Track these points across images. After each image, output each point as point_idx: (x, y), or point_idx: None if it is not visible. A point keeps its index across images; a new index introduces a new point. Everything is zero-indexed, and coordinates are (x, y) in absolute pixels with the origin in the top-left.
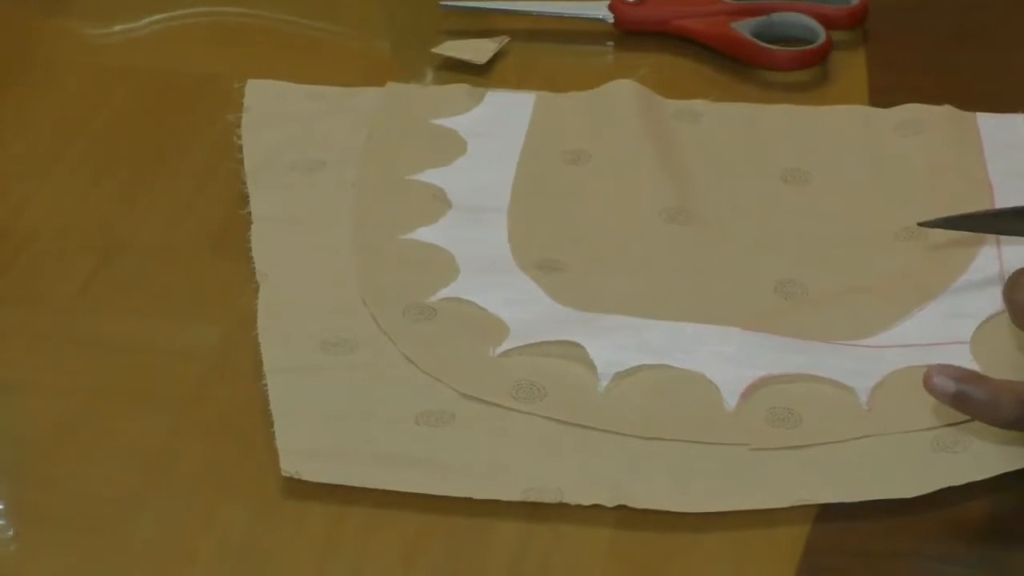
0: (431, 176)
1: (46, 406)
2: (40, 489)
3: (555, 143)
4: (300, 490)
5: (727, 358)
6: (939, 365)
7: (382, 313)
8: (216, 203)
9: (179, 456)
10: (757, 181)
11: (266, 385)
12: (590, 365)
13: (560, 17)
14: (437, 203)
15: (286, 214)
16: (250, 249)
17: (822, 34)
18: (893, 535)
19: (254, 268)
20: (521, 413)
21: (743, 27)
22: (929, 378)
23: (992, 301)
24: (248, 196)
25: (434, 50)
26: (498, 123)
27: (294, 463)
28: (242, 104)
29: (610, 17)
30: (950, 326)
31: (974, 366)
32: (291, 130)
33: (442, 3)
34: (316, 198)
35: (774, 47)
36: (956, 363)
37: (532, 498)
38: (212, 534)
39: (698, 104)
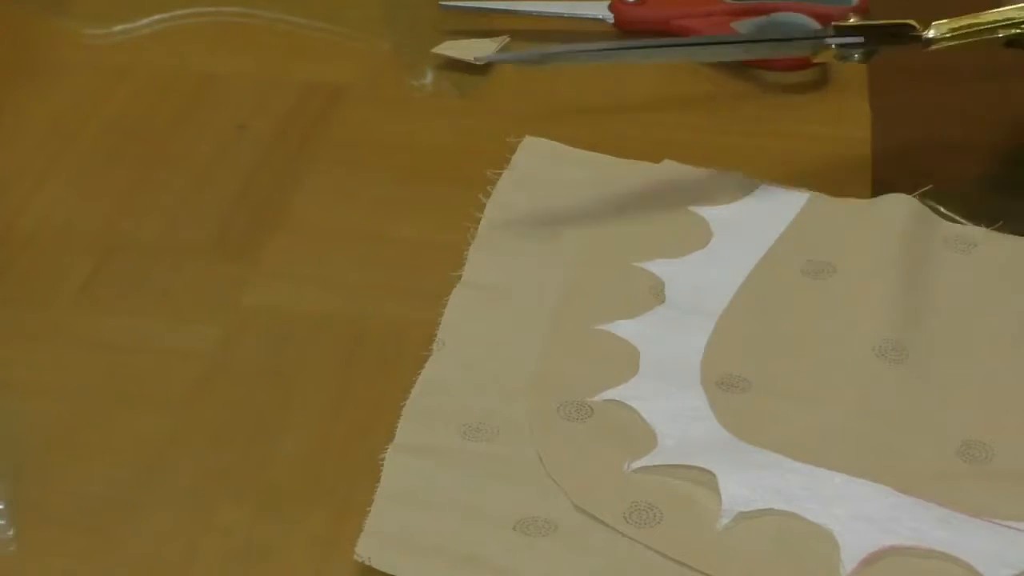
0: (659, 266)
1: (46, 406)
2: (40, 489)
3: (802, 250)
4: (300, 490)
5: (864, 518)
6: None
7: (536, 404)
8: (216, 203)
9: (179, 456)
10: (999, 325)
11: (383, 459)
12: (717, 498)
13: (560, 17)
14: (650, 297)
15: (495, 283)
16: (252, 249)
17: None
18: None
19: (256, 268)
20: (626, 537)
21: (743, 27)
22: None
23: None
24: (466, 259)
25: (434, 50)
26: (756, 220)
27: (370, 548)
28: (244, 105)
29: (610, 17)
30: None
31: None
32: (543, 196)
33: (442, 3)
34: (535, 272)
35: None
36: None
37: None
38: (212, 534)
39: (976, 232)
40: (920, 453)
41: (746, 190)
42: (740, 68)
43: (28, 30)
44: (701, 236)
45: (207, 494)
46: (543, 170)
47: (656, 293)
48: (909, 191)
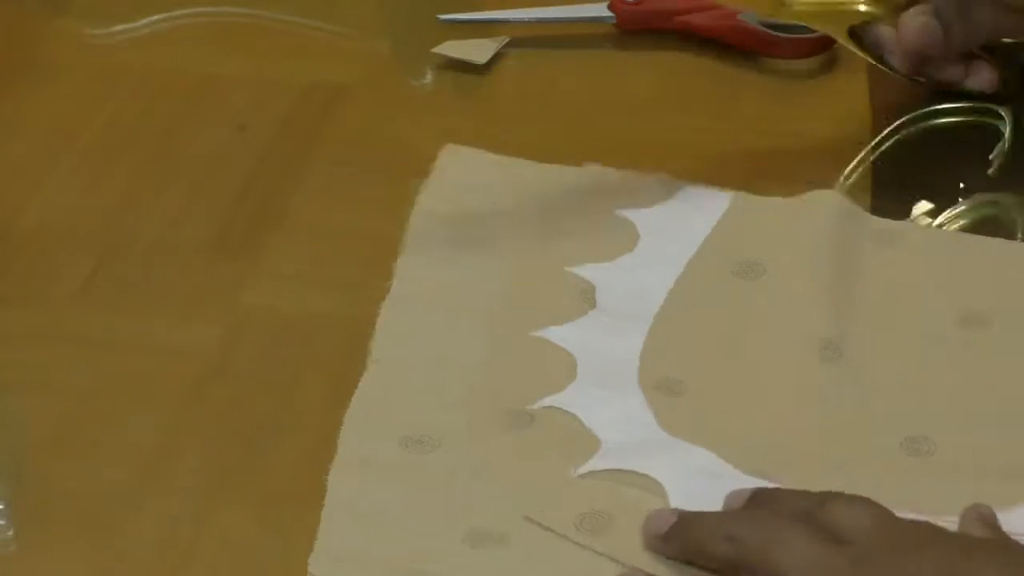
0: (589, 271)
1: (46, 406)
2: (40, 489)
3: (731, 251)
4: (300, 490)
5: None
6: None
7: (476, 414)
8: (216, 203)
9: (179, 456)
10: (929, 319)
11: (327, 478)
12: (665, 503)
13: (561, 21)
14: (581, 302)
15: (426, 294)
16: (252, 249)
17: None
18: None
19: (256, 268)
20: (577, 545)
21: (750, 17)
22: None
23: None
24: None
25: (434, 50)
26: (681, 221)
27: (322, 565)
28: (244, 105)
29: (612, 17)
30: None
31: None
32: (467, 202)
33: (440, 16)
34: (464, 279)
35: (787, 35)
36: None
37: None
38: (212, 534)
39: (902, 226)
40: (863, 451)
41: (670, 191)
42: (741, 60)
43: (28, 30)
44: (628, 239)
45: (207, 494)
46: (466, 178)
47: (587, 298)
48: (909, 191)
